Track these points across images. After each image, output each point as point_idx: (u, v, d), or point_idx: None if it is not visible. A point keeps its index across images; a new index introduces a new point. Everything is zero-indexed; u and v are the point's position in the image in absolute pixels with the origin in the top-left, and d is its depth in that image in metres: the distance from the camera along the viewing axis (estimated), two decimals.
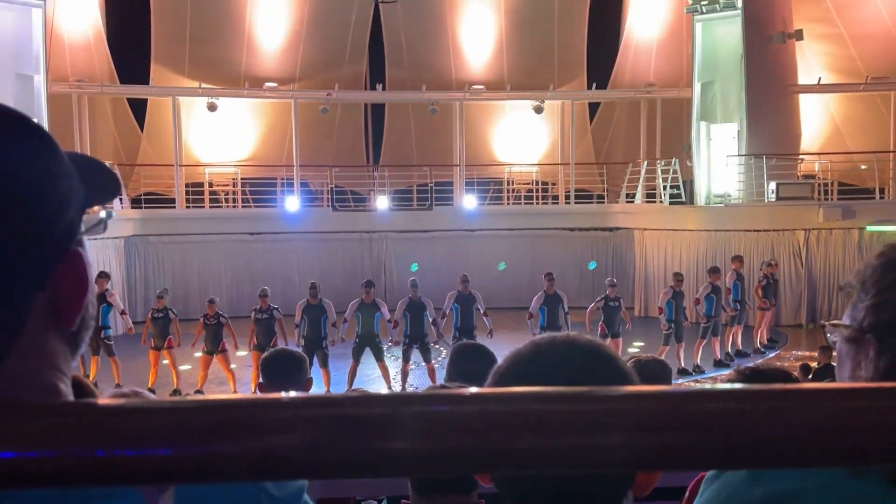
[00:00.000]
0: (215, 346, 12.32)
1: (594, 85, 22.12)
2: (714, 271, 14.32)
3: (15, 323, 0.70)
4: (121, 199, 19.35)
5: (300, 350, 11.68)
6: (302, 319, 12.36)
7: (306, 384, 3.73)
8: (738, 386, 0.54)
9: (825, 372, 9.28)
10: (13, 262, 0.69)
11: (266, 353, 3.73)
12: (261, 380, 3.77)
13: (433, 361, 12.49)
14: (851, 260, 17.77)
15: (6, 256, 0.68)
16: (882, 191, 19.41)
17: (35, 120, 0.74)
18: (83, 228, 0.75)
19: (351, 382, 12.21)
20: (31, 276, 0.70)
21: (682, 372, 13.31)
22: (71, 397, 0.75)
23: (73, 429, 0.51)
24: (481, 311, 12.76)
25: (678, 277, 14.03)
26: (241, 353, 12.84)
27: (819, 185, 18.37)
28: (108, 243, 18.32)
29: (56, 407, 0.57)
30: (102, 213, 0.80)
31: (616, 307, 13.10)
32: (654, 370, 3.46)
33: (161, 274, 19.71)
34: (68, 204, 0.72)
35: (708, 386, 0.55)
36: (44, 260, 0.71)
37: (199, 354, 12.66)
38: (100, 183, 0.78)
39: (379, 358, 12.33)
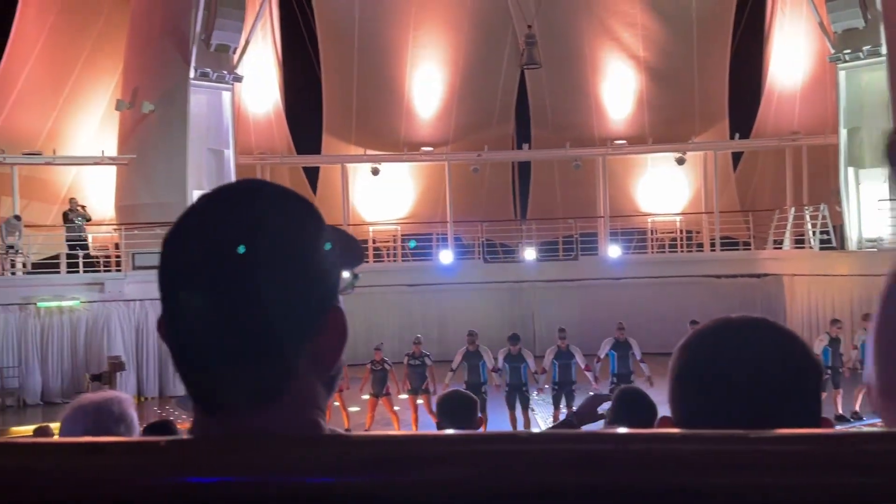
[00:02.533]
0: (380, 390, 12.80)
1: (737, 135, 21.61)
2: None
3: (293, 364, 0.78)
4: None
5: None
6: (461, 364, 12.59)
7: (478, 422, 3.86)
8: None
9: None
10: (299, 313, 0.77)
11: (442, 394, 3.95)
12: (437, 419, 3.91)
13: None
14: None
15: (295, 309, 0.77)
16: None
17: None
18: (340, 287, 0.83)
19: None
20: (309, 325, 0.78)
21: (840, 419, 12.45)
22: (327, 430, 0.81)
23: (350, 456, 0.58)
24: (637, 358, 12.51)
25: (836, 324, 13.18)
26: (403, 396, 13.33)
27: None
28: None
29: (332, 438, 0.66)
30: (349, 275, 0.86)
31: None
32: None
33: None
34: (336, 266, 0.82)
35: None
36: (318, 312, 0.79)
37: (366, 397, 13.25)
38: (348, 249, 0.87)
39: (525, 406, 12.39)
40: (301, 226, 0.80)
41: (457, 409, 3.78)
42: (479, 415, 4.00)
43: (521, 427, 12.23)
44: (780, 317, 19.39)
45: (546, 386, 12.61)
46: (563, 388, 12.43)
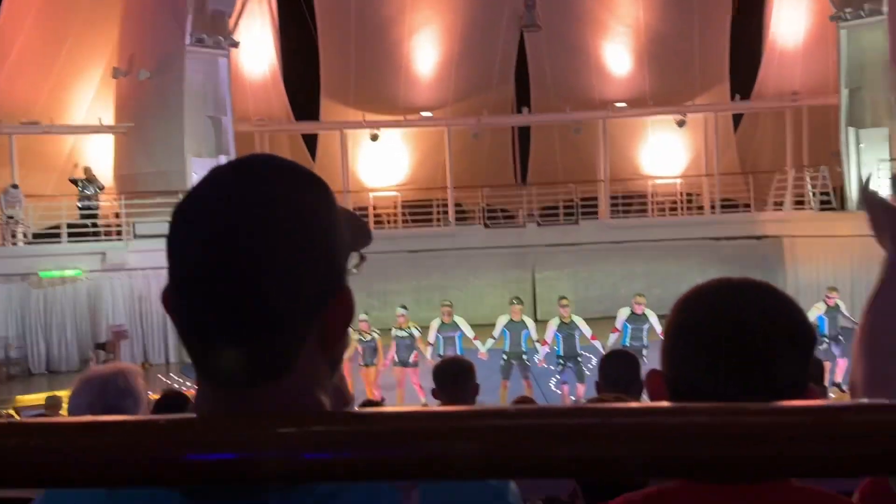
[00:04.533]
0: (371, 360, 12.53)
1: (738, 96, 21.45)
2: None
3: (301, 342, 0.77)
4: None
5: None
6: (436, 338, 12.09)
7: (473, 389, 3.86)
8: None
9: None
10: (308, 292, 0.77)
11: (438, 363, 3.96)
12: (434, 386, 3.95)
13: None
14: None
15: (305, 287, 0.76)
16: None
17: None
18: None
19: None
20: (318, 304, 0.78)
21: (839, 386, 11.82)
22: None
23: (346, 433, 0.60)
24: (658, 331, 11.70)
25: (832, 292, 12.65)
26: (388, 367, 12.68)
27: None
28: None
29: (332, 415, 0.68)
30: (356, 256, 0.87)
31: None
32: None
33: None
34: (346, 246, 0.82)
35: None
36: (327, 292, 0.78)
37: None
38: (357, 230, 0.88)
39: (525, 376, 11.84)
40: (314, 204, 0.79)
41: (453, 376, 3.80)
42: (476, 382, 4.01)
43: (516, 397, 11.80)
44: (780, 278, 19.44)
45: (548, 364, 11.97)
46: (567, 361, 11.80)
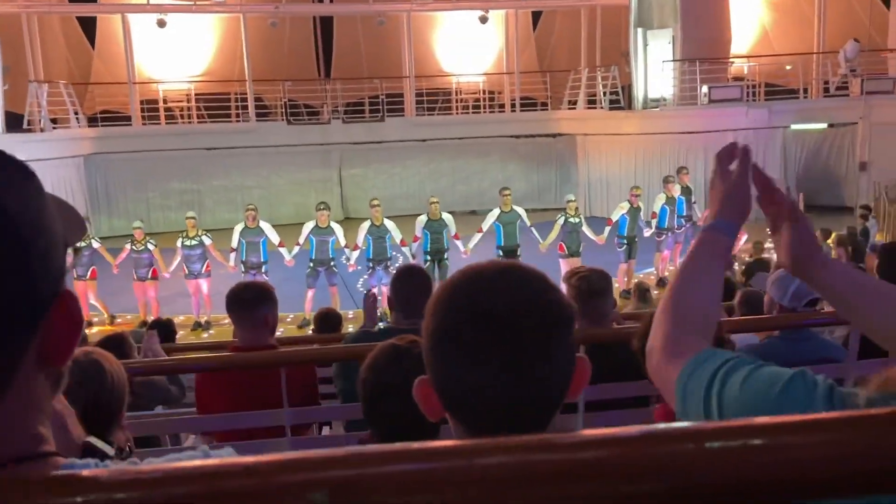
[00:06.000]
0: (146, 273, 11.59)
1: None
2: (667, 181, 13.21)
3: (15, 361, 0.65)
4: (77, 117, 18.75)
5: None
6: (240, 243, 11.47)
7: (270, 318, 3.35)
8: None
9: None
10: (13, 305, 0.64)
11: (232, 288, 3.45)
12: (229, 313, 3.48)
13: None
14: (775, 161, 18.21)
15: (16, 297, 0.63)
16: (805, 91, 19.73)
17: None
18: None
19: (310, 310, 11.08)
20: (34, 315, 0.65)
21: (626, 293, 11.74)
22: (52, 441, 0.70)
23: None
24: (452, 235, 11.58)
25: (634, 190, 12.63)
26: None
27: (748, 87, 18.58)
28: (67, 162, 17.82)
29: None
30: (70, 251, 0.73)
31: (577, 224, 11.86)
32: (597, 282, 3.60)
33: (124, 191, 19.36)
34: (61, 244, 0.69)
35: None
36: (46, 298, 0.66)
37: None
38: (70, 222, 0.75)
39: (332, 283, 11.36)
40: (18, 197, 0.65)
41: (244, 302, 3.36)
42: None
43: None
44: (573, 173, 20.51)
45: (358, 266, 11.51)
46: (377, 265, 11.31)
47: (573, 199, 12.28)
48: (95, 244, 11.71)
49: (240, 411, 3.10)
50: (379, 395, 1.86)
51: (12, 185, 0.65)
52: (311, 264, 11.45)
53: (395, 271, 3.87)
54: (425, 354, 1.03)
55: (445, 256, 11.59)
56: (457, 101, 21.83)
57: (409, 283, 3.36)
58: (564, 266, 11.85)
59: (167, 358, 4.00)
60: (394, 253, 11.61)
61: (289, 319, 11.44)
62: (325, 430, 4.24)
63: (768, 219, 1.29)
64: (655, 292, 11.45)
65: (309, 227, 11.45)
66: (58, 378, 0.71)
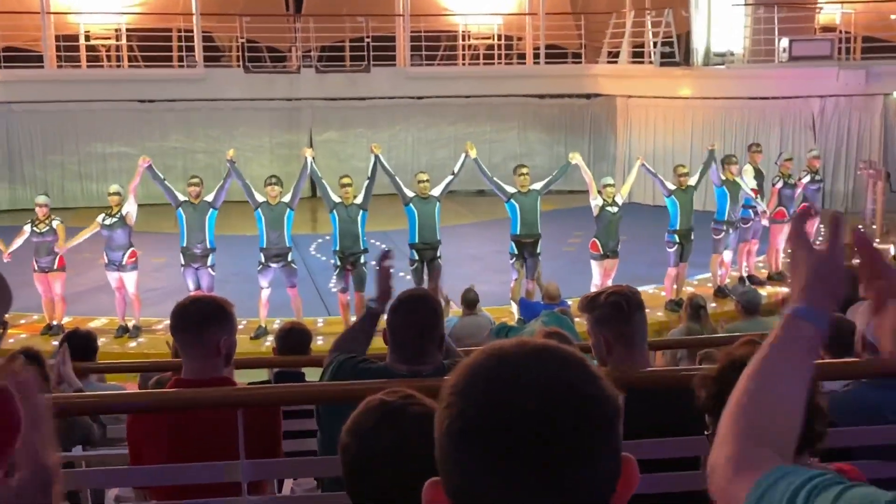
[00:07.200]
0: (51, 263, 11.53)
1: None
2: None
3: None
4: None
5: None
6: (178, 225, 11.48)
7: (225, 344, 3.28)
8: None
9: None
10: None
11: (178, 304, 3.40)
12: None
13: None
14: (872, 135, 18.22)
15: None
16: None
17: None
18: None
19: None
20: None
21: (675, 304, 11.85)
22: None
23: None
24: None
25: (681, 172, 12.47)
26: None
27: (840, 41, 18.59)
28: None
29: None
30: None
31: (616, 215, 11.88)
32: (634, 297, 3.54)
33: (30, 153, 19.38)
34: None
35: None
36: None
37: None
38: None
39: (291, 283, 11.43)
40: None
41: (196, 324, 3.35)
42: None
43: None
44: (610, 147, 20.53)
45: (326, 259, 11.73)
46: (347, 259, 11.30)
47: (611, 182, 12.28)
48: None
49: (183, 462, 3.14)
50: (364, 467, 1.85)
51: None
52: (263, 255, 11.39)
53: (382, 290, 3.77)
54: (439, 454, 1.06)
55: (438, 254, 11.67)
56: (464, 49, 21.82)
57: (411, 317, 3.33)
58: (597, 270, 11.93)
59: (90, 394, 4.03)
60: (369, 244, 11.68)
61: (240, 327, 11.47)
62: (287, 486, 4.30)
63: (870, 297, 1.33)
64: (713, 306, 11.54)
65: (258, 203, 11.33)
66: None
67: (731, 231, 12.97)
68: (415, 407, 1.88)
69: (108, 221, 11.45)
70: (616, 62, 20.43)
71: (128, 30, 20.72)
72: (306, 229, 16.52)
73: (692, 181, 12.47)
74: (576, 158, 12.23)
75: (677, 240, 12.38)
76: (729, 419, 1.25)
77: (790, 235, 1.35)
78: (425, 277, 11.17)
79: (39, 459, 0.99)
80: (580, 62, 21.38)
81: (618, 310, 3.31)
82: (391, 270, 3.74)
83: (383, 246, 11.31)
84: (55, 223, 11.58)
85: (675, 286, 12.49)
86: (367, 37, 19.83)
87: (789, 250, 1.33)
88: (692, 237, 12.47)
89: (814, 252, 1.31)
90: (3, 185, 19.10)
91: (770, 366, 1.27)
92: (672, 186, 12.36)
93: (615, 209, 11.92)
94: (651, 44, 19.53)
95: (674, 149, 18.70)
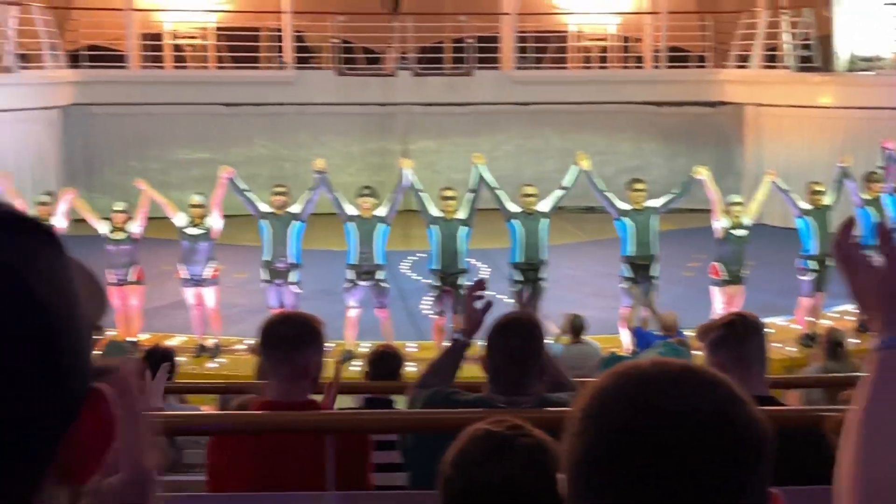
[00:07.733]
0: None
1: None
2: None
3: (34, 482, 0.71)
4: (54, 54, 19.45)
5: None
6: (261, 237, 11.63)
7: (314, 365, 3.48)
8: None
9: None
10: (42, 412, 0.69)
11: (267, 320, 3.54)
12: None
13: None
14: None
15: (33, 405, 0.69)
16: None
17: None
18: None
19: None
20: (60, 426, 0.71)
21: (810, 338, 11.54)
22: None
23: None
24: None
25: (814, 189, 12.23)
26: None
27: None
28: (36, 115, 18.43)
29: None
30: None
31: (742, 238, 11.73)
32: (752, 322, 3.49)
33: (111, 158, 19.99)
34: (88, 328, 0.74)
35: None
36: (73, 402, 0.72)
37: None
38: (92, 294, 0.81)
39: (381, 304, 11.55)
40: (45, 274, 0.70)
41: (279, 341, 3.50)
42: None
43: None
44: (738, 161, 20.21)
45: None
46: (447, 279, 11.32)
47: (739, 200, 12.11)
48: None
49: (266, 491, 3.22)
50: (469, 502, 1.87)
51: (37, 259, 0.70)
52: (352, 273, 11.48)
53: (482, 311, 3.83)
54: (570, 486, 1.06)
55: (542, 276, 11.59)
56: (575, 52, 21.79)
57: (511, 342, 3.33)
58: (719, 297, 11.76)
59: (175, 413, 4.17)
60: (470, 264, 11.71)
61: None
62: None
63: None
64: (855, 342, 11.21)
65: (349, 216, 11.42)
66: (77, 496, 0.77)
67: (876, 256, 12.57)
68: (524, 438, 1.90)
69: (192, 231, 11.56)
70: (746, 67, 20.14)
71: (218, 31, 21.26)
72: (398, 245, 16.65)
73: (827, 200, 12.19)
74: (702, 173, 12.10)
75: (812, 266, 12.09)
76: (847, 480, 1.18)
77: (837, 261, 1.29)
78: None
79: (136, 460, 1.05)
80: (705, 66, 21.14)
81: (731, 329, 3.31)
82: (483, 300, 3.76)
83: (481, 266, 11.38)
84: (135, 229, 11.66)
85: (809, 318, 12.19)
86: (470, 37, 19.98)
87: (843, 277, 1.27)
88: (829, 263, 12.14)
89: (873, 270, 1.27)
90: (82, 190, 19.73)
91: (881, 410, 1.19)
92: (805, 206, 12.09)
93: (743, 232, 11.74)
94: (786, 47, 19.23)
95: (811, 164, 18.28)
